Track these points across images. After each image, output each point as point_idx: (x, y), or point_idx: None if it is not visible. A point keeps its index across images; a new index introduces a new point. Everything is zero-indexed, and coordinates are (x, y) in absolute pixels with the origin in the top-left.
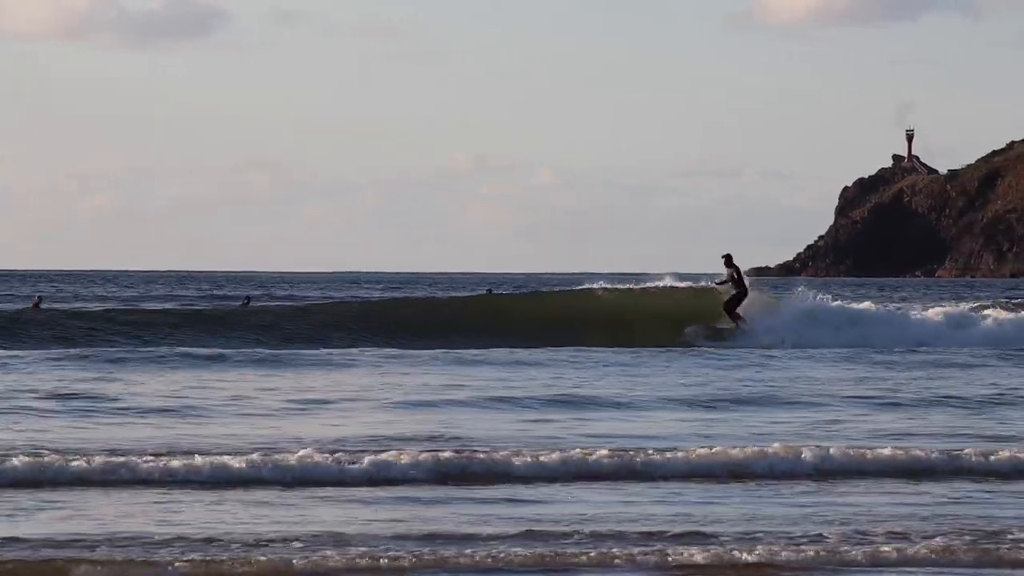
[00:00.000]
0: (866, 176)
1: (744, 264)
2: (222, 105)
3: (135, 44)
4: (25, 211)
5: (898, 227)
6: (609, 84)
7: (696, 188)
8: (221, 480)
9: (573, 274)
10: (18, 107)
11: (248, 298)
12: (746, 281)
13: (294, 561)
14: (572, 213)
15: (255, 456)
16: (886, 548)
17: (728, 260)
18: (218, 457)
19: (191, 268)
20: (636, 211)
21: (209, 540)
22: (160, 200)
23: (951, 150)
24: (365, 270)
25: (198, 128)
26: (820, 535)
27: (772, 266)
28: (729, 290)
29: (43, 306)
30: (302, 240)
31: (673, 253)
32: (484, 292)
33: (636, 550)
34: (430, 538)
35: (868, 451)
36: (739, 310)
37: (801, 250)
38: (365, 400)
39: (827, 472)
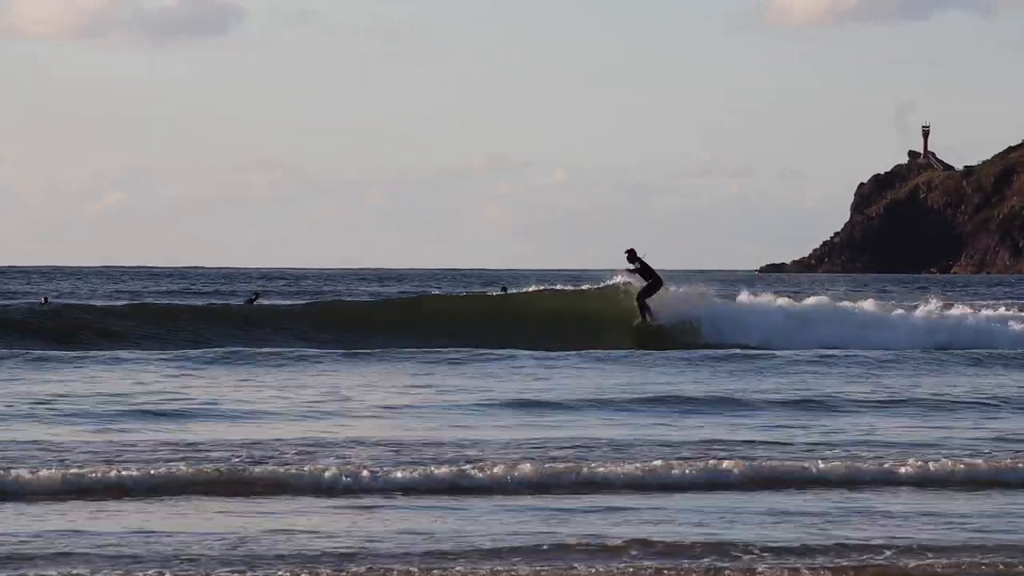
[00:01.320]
0: (882, 172)
1: (760, 261)
2: (224, 105)
3: (139, 44)
4: (27, 209)
5: (914, 223)
6: (613, 84)
7: (706, 187)
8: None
9: (581, 271)
10: (23, 106)
11: (256, 295)
12: (655, 271)
13: None
14: (580, 212)
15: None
16: None
17: (631, 255)
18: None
19: (194, 265)
20: (645, 210)
21: None
22: (162, 199)
23: (951, 149)
24: (370, 267)
25: (200, 127)
26: None
27: (788, 263)
28: (639, 283)
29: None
30: (305, 239)
31: (683, 251)
32: (500, 291)
33: None
34: None
35: None
36: (650, 302)
37: (817, 247)
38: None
39: None
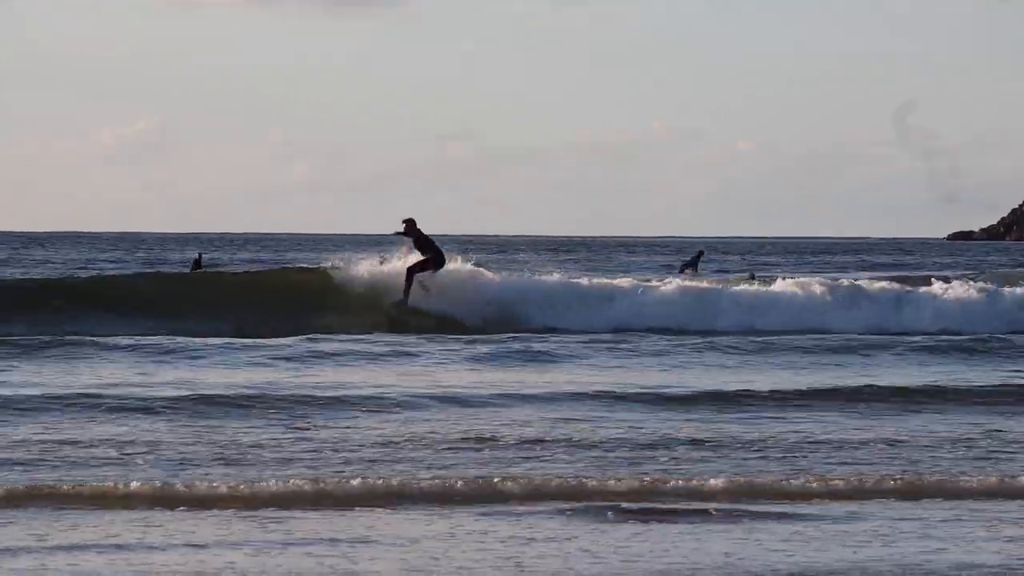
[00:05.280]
0: None
1: (946, 230)
2: (404, 75)
3: (329, 13)
4: (225, 179)
5: None
6: (795, 54)
7: (892, 156)
8: None
9: (762, 238)
10: (210, 78)
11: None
12: (438, 246)
13: None
14: (764, 182)
15: None
16: None
17: (409, 226)
18: None
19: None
20: (832, 178)
21: None
22: (358, 170)
23: None
24: (563, 234)
25: (383, 98)
26: None
27: (976, 231)
28: (415, 256)
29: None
30: (491, 207)
31: (871, 219)
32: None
33: None
34: None
35: None
36: (430, 284)
37: (1005, 215)
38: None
39: None
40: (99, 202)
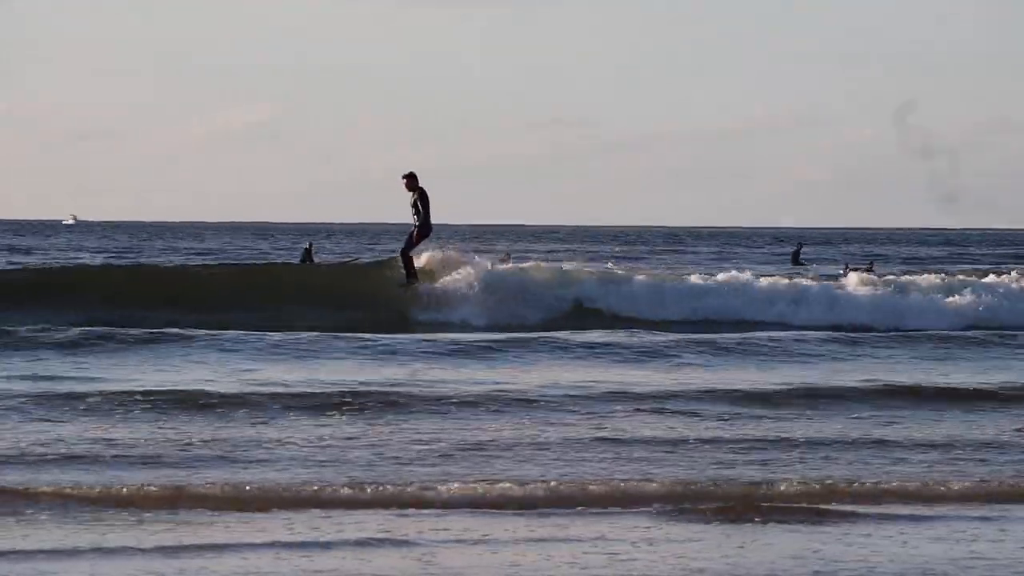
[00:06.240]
0: None
1: None
2: (513, 62)
3: (442, 4)
4: (319, 170)
5: None
6: (918, 40)
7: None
8: None
9: (881, 229)
10: (321, 69)
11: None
12: (431, 214)
13: None
14: (885, 169)
15: None
16: None
17: (411, 180)
18: None
19: (499, 223)
20: (954, 167)
21: None
22: (467, 157)
23: None
24: (673, 224)
25: (504, 86)
26: None
27: None
28: (413, 223)
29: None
30: (601, 196)
31: (993, 210)
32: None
33: None
34: None
35: None
36: (416, 256)
37: None
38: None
39: None
40: (205, 191)
